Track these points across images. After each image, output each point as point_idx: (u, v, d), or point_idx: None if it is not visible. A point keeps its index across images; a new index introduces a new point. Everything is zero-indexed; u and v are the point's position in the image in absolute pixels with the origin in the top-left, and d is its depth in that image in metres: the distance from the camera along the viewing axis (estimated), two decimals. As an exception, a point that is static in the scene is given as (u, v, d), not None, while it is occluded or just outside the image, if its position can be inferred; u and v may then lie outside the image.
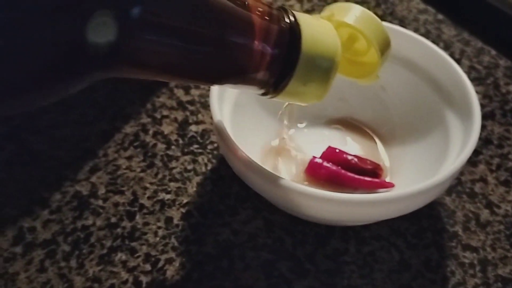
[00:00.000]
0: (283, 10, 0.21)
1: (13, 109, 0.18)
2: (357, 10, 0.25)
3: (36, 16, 0.15)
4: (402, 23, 0.44)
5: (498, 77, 0.40)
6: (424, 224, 0.30)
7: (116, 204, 0.30)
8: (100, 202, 0.30)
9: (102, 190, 0.30)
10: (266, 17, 0.21)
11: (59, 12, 0.15)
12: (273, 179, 0.24)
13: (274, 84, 0.21)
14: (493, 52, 0.42)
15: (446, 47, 0.42)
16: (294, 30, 0.21)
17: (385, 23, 0.33)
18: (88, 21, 0.16)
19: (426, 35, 0.43)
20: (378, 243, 0.28)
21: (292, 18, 0.21)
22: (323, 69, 0.21)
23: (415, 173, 0.29)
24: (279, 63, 0.21)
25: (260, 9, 0.20)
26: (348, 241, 0.28)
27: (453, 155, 0.27)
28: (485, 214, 0.30)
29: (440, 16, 0.45)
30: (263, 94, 0.23)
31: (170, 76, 0.22)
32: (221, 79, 0.22)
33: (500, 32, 0.43)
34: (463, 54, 0.42)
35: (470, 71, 0.40)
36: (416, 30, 0.43)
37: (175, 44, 0.19)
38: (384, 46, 0.25)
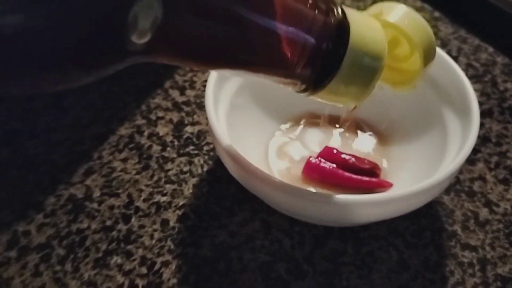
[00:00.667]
0: (333, 3, 0.20)
1: (54, 84, 0.17)
2: (407, 12, 0.23)
3: None
4: (399, 21, 0.44)
5: (496, 74, 0.39)
6: (422, 224, 0.29)
7: (111, 207, 0.29)
8: (95, 205, 0.29)
9: (97, 193, 0.30)
10: (314, 7, 0.19)
11: None
12: (270, 181, 0.24)
13: (315, 81, 0.20)
14: (491, 49, 0.41)
15: (443, 45, 0.42)
16: (343, 25, 0.19)
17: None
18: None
19: (423, 33, 0.43)
20: (376, 243, 0.28)
21: (340, 13, 0.20)
22: (369, 69, 0.20)
23: (414, 172, 0.29)
24: (324, 58, 0.20)
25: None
26: (346, 241, 0.28)
27: (451, 154, 0.27)
28: (484, 212, 0.30)
29: (436, 14, 0.45)
30: (302, 91, 0.21)
31: (210, 62, 0.20)
32: (261, 68, 0.20)
33: (497, 29, 0.43)
34: (460, 51, 0.41)
35: (467, 68, 0.40)
36: (412, 28, 0.43)
37: (219, 27, 0.18)
38: (429, 56, 0.24)
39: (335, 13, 0.20)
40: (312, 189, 0.29)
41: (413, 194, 0.24)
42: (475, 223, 0.30)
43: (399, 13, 0.23)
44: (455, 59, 0.40)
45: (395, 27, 0.23)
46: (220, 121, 0.28)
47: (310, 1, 0.19)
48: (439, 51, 0.31)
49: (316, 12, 0.19)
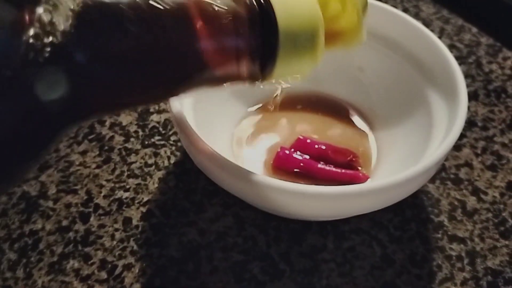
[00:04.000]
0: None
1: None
2: None
3: None
4: (380, 0, 0.41)
5: (480, 55, 0.37)
6: (407, 215, 0.27)
7: (68, 205, 0.27)
8: (50, 204, 0.27)
9: (52, 190, 0.27)
10: (230, 12, 0.18)
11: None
12: (238, 172, 0.21)
13: (261, 70, 0.20)
14: (474, 29, 0.40)
15: (426, 25, 0.39)
16: (267, 15, 0.19)
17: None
18: (38, 85, 0.15)
19: (405, 13, 0.40)
20: (358, 237, 0.26)
21: (262, 2, 0.19)
22: (308, 45, 0.19)
23: (398, 160, 0.27)
24: (260, 49, 0.19)
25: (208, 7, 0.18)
26: (326, 236, 0.26)
27: (437, 140, 0.25)
28: (471, 201, 0.28)
29: (418, -7, 0.42)
30: (253, 81, 0.20)
31: (144, 101, 0.20)
32: (206, 84, 0.20)
33: (481, 9, 0.41)
34: (443, 32, 0.39)
35: (451, 49, 0.38)
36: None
37: (135, 69, 0.17)
38: (362, 2, 0.23)
39: (254, 6, 0.19)
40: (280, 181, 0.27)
41: (391, 186, 0.22)
42: (462, 212, 0.28)
43: None
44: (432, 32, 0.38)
45: None
46: (186, 109, 0.25)
47: (223, 10, 0.18)
48: (424, 28, 0.29)
49: (235, 14, 0.19)
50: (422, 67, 0.28)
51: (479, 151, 0.31)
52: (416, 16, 0.40)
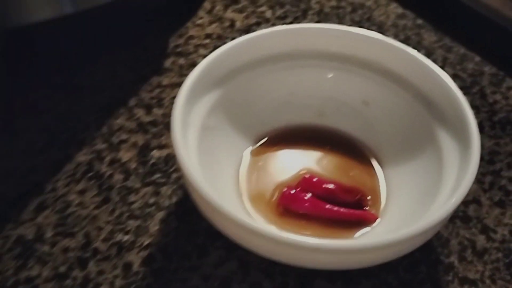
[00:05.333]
0: None
1: None
2: None
3: None
4: (381, 29, 0.41)
5: (484, 85, 0.37)
6: (417, 256, 0.26)
7: (65, 250, 0.26)
8: (47, 248, 0.26)
9: (49, 233, 0.26)
10: None
11: None
12: (239, 223, 0.21)
13: None
14: (477, 58, 0.39)
15: (428, 54, 0.39)
16: None
17: (365, 31, 0.30)
18: None
19: (406, 41, 0.40)
20: (368, 281, 0.25)
21: None
22: None
23: (409, 200, 0.26)
24: None
25: None
26: (335, 281, 0.25)
27: (448, 184, 0.24)
28: (481, 240, 0.28)
29: (419, 21, 0.42)
30: None
31: None
32: None
33: (483, 37, 0.40)
34: (446, 61, 0.39)
35: (454, 79, 0.37)
36: (395, 36, 0.40)
37: None
38: None
39: None
40: (289, 226, 0.26)
41: (397, 241, 0.21)
42: (472, 253, 0.27)
43: None
44: (441, 69, 0.38)
45: None
46: (190, 148, 0.24)
47: None
48: (429, 62, 0.28)
49: None
50: (430, 104, 0.27)
51: (486, 187, 0.30)
52: (419, 44, 0.40)
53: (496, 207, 0.29)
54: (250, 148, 0.29)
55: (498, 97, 0.36)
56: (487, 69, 0.38)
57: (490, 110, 0.35)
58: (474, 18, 0.41)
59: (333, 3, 0.43)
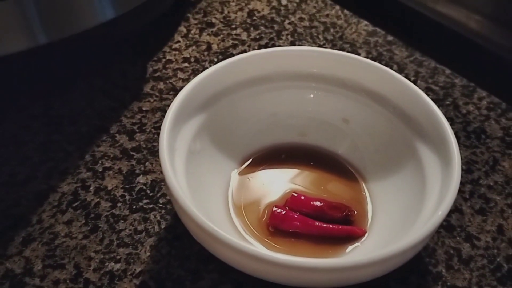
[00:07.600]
0: None
1: None
2: None
3: None
4: (354, 46, 0.42)
5: (456, 97, 0.38)
6: (406, 266, 0.27)
7: (56, 282, 0.25)
8: (37, 281, 0.25)
9: (38, 266, 0.26)
10: None
11: None
12: (233, 246, 0.21)
13: None
14: (448, 71, 0.41)
15: (401, 70, 0.40)
16: None
17: (341, 53, 0.31)
18: None
19: (379, 57, 0.41)
20: (360, 295, 0.26)
21: None
22: None
23: (395, 213, 0.27)
24: None
25: None
26: (328, 298, 0.25)
27: (432, 195, 0.24)
28: (466, 248, 0.28)
29: (390, 38, 0.43)
30: None
31: None
32: None
33: (453, 50, 0.42)
34: (418, 75, 0.40)
35: (427, 92, 0.39)
36: (368, 53, 0.41)
37: None
38: None
39: None
40: (281, 245, 0.26)
41: (387, 257, 0.21)
42: (458, 261, 0.28)
43: None
44: (414, 83, 0.39)
45: None
46: (178, 173, 0.24)
47: None
48: (403, 79, 0.29)
49: None
50: (409, 119, 0.28)
51: (467, 196, 0.31)
52: (391, 60, 0.41)
53: (477, 215, 0.30)
54: (236, 170, 0.30)
55: (470, 107, 0.38)
56: (458, 81, 0.40)
57: (464, 121, 0.36)
58: (442, 32, 0.42)
59: (306, 23, 0.44)
